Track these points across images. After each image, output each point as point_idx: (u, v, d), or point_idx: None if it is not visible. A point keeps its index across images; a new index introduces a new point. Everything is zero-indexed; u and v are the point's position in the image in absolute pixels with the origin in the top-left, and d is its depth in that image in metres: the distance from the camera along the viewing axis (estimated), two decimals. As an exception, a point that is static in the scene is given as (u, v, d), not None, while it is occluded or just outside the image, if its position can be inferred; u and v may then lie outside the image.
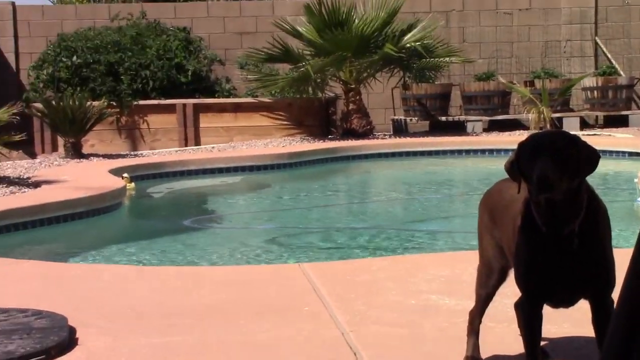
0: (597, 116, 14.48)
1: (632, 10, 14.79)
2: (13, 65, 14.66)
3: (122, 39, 13.80)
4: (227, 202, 11.31)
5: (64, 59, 13.61)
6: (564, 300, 3.21)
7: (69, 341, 4.28)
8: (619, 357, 1.63)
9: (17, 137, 10.61)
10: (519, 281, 3.14)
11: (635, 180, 8.65)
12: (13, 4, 14.39)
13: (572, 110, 14.49)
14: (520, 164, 2.86)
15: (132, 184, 10.27)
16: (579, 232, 2.91)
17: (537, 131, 8.43)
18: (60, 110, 12.01)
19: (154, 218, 10.48)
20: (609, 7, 14.83)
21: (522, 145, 2.83)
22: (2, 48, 14.45)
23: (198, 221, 9.50)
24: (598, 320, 2.99)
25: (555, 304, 3.24)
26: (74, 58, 13.60)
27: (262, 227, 9.55)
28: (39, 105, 12.60)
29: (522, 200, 3.02)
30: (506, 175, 3.12)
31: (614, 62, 14.82)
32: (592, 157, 2.84)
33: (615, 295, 2.02)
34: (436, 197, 11.28)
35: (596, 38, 15.06)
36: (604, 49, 14.97)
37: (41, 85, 13.63)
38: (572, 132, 3.10)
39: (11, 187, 9.75)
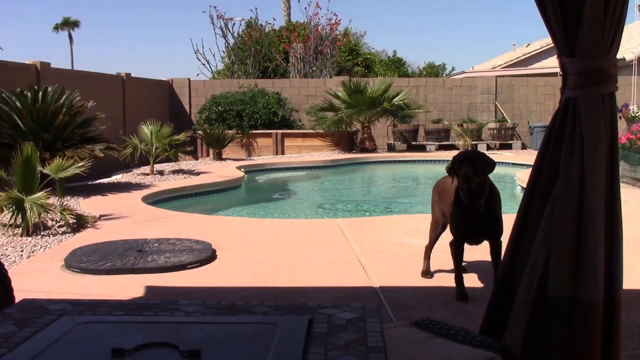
0: (495, 144, 18.62)
1: (515, 88, 19.80)
2: (188, 111, 19.61)
3: (244, 98, 18.59)
4: (298, 185, 14.49)
5: (214, 108, 18.52)
6: (475, 241, 4.61)
7: (212, 257, 6.05)
8: (504, 268, 2.61)
9: (188, 149, 14.89)
10: (452, 230, 4.58)
11: (515, 177, 12.02)
12: (189, 79, 19.77)
13: (482, 140, 18.79)
14: (454, 167, 4.22)
15: (246, 175, 13.31)
16: (484, 204, 4.31)
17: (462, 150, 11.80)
18: (211, 134, 16.68)
19: (259, 192, 13.58)
20: (503, 86, 19.82)
21: (455, 157, 4.28)
22: (183, 102, 19.52)
23: (282, 194, 12.94)
24: (493, 252, 4.44)
25: (471, 243, 4.63)
26: (219, 108, 18.42)
27: (315, 199, 12.41)
28: (200, 132, 17.10)
29: (455, 187, 4.38)
30: (446, 174, 4.57)
31: (505, 115, 19.62)
32: (491, 164, 4.24)
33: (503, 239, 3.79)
34: (409, 184, 15.05)
35: (496, 102, 19.81)
36: (500, 108, 19.77)
37: (202, 121, 18.50)
38: (482, 151, 4.73)
39: (185, 175, 13.11)
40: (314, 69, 23.90)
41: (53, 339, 1.78)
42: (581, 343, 2.60)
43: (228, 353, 1.70)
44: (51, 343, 1.75)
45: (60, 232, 7.66)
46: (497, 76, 21.26)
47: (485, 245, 4.57)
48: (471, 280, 5.06)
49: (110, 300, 2.29)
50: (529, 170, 9.36)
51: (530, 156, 15.73)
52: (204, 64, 27.90)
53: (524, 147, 18.99)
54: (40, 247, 6.90)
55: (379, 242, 6.73)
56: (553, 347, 2.64)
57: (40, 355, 1.67)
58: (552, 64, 25.24)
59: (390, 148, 19.00)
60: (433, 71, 42.99)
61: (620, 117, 15.18)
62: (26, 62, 12.66)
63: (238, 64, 24.61)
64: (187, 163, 15.50)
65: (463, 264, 4.85)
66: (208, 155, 17.59)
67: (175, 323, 1.95)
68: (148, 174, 13.48)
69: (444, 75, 41.13)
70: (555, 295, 2.62)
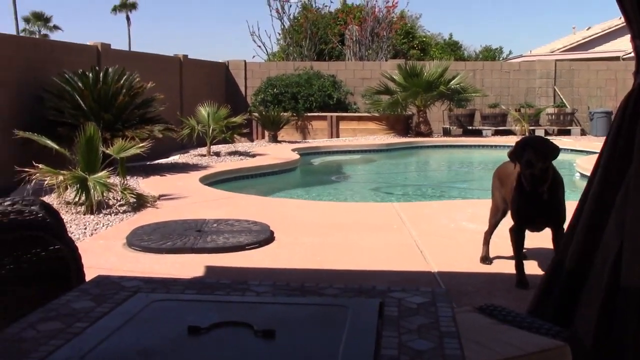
0: (553, 129, 18.32)
1: (575, 72, 19.43)
2: (243, 93, 19.66)
3: (300, 80, 18.65)
4: (353, 168, 14.69)
5: (269, 90, 18.59)
6: (537, 228, 4.58)
7: (271, 238, 6.08)
8: (563, 253, 2.61)
9: (244, 131, 15.29)
10: (513, 215, 4.54)
11: (574, 164, 11.74)
12: (245, 61, 19.94)
13: (540, 125, 18.49)
14: (517, 152, 4.20)
15: (300, 158, 13.39)
16: (547, 190, 4.25)
17: (523, 136, 11.24)
18: (267, 117, 16.82)
19: (314, 175, 13.84)
20: (562, 70, 19.47)
21: (518, 142, 4.28)
22: (239, 84, 19.59)
23: (337, 177, 13.11)
24: (555, 239, 4.35)
25: (532, 230, 4.58)
26: (275, 90, 18.52)
27: (370, 182, 12.61)
28: (256, 114, 17.18)
29: (517, 173, 4.33)
30: (507, 159, 4.53)
31: (564, 100, 19.32)
32: (556, 150, 4.22)
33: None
34: (465, 169, 15.04)
35: (555, 87, 19.52)
36: (559, 93, 19.46)
37: (257, 104, 18.59)
38: (545, 137, 4.69)
39: (241, 156, 13.33)
40: (369, 51, 23.70)
41: (130, 315, 1.82)
42: (655, 332, 2.54)
43: (302, 334, 1.72)
44: (129, 319, 1.80)
45: (122, 210, 7.83)
46: (556, 60, 20.87)
47: (546, 231, 4.51)
48: (531, 268, 4.97)
49: (181, 279, 2.32)
50: (589, 156, 9.89)
51: (590, 142, 15.59)
52: (259, 46, 27.98)
53: (583, 133, 18.70)
54: (103, 225, 7.06)
55: (437, 226, 6.69)
56: (626, 336, 2.59)
57: (119, 330, 1.72)
58: (614, 47, 25.01)
59: (446, 132, 18.99)
60: (490, 55, 42.31)
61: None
62: (88, 43, 12.90)
63: (294, 46, 24.61)
64: (242, 145, 15.68)
65: (523, 250, 4.77)
66: (263, 137, 17.80)
67: (247, 303, 1.97)
68: (205, 155, 13.62)
69: (501, 59, 40.46)
70: (628, 285, 2.56)
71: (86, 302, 1.92)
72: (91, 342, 1.64)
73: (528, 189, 4.29)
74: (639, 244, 2.57)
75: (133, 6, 74.83)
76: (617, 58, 20.34)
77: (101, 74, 11.00)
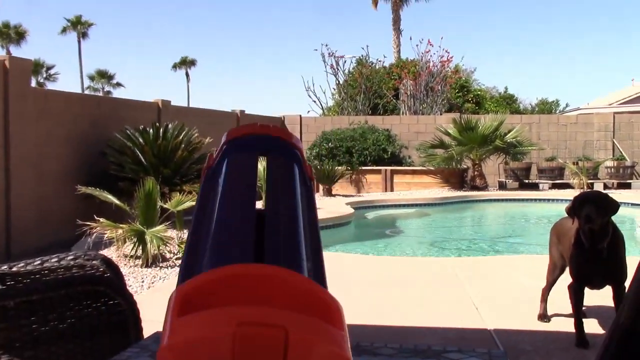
0: (613, 183, 18.32)
1: (635, 125, 19.34)
2: None
3: (354, 135, 18.86)
4: (407, 222, 14.76)
5: (324, 144, 18.93)
6: (597, 286, 4.47)
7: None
8: (628, 316, 1.78)
9: None
10: (572, 273, 4.44)
11: (635, 218, 11.86)
12: (300, 116, 20.81)
13: (598, 179, 18.40)
14: (575, 208, 4.17)
15: (354, 212, 13.27)
16: (606, 247, 4.17)
17: (580, 191, 11.13)
18: (322, 171, 16.96)
19: (367, 229, 13.63)
20: (621, 123, 19.40)
21: (576, 198, 4.24)
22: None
23: (391, 231, 12.97)
24: (616, 297, 4.24)
25: (592, 287, 4.48)
26: (329, 144, 18.82)
27: (425, 237, 12.48)
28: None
29: (575, 229, 4.28)
30: (564, 215, 4.50)
31: (623, 152, 19.13)
32: (615, 205, 4.18)
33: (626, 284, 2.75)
34: (521, 224, 14.89)
35: (613, 139, 19.42)
36: (618, 146, 19.31)
37: (312, 158, 18.74)
38: (604, 192, 4.53)
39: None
40: (424, 105, 23.82)
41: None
42: None
43: (355, 394, 1.71)
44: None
45: (178, 264, 7.89)
46: (614, 112, 20.72)
47: (606, 289, 4.41)
48: (591, 326, 4.82)
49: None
50: None
51: (651, 196, 15.02)
52: (314, 101, 28.09)
53: (644, 187, 18.38)
54: (160, 278, 7.16)
55: (492, 282, 6.62)
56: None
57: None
58: (674, 99, 24.37)
59: (502, 186, 18.99)
60: (546, 107, 41.82)
61: None
62: (150, 100, 13.26)
63: (348, 101, 24.80)
64: (298, 199, 15.72)
65: (583, 308, 4.69)
66: (318, 191, 17.79)
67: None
68: (261, 209, 13.70)
69: (558, 112, 39.96)
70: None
71: (145, 359, 1.95)
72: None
73: (587, 246, 4.22)
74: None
75: (192, 63, 76.88)
76: (677, 110, 19.44)
77: (161, 130, 11.25)
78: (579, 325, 4.53)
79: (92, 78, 70.59)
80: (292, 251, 1.09)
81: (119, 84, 74.14)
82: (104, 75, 71.51)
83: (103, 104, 12.37)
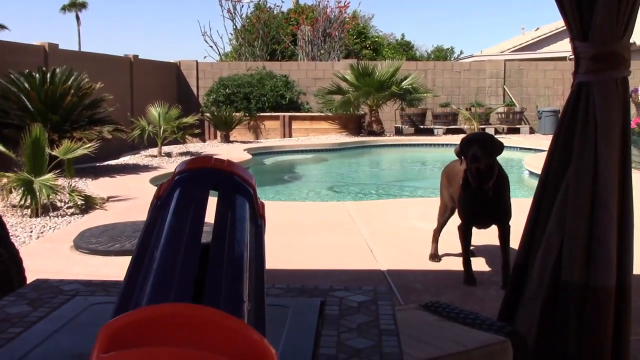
0: (503, 128, 18.71)
1: (524, 72, 19.79)
2: (195, 93, 19.61)
3: (252, 80, 18.68)
4: (305, 167, 14.70)
5: (221, 91, 18.58)
6: (483, 225, 4.64)
7: None
8: (520, 254, 2.71)
9: (196, 131, 14.97)
10: (460, 213, 4.61)
11: (523, 161, 12.05)
12: (196, 61, 19.80)
13: (490, 124, 18.80)
14: (462, 148, 4.29)
15: (252, 158, 13.46)
16: (492, 187, 4.30)
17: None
18: (219, 117, 16.74)
19: (266, 175, 13.46)
20: (511, 70, 19.82)
21: (463, 139, 4.38)
22: (190, 84, 19.50)
23: (289, 177, 13.13)
24: (501, 236, 4.46)
25: (479, 227, 4.64)
26: (227, 90, 18.51)
27: (322, 182, 12.66)
28: (207, 114, 17.16)
29: (463, 170, 4.42)
30: (455, 158, 4.64)
31: (513, 99, 19.65)
32: (500, 145, 4.32)
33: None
34: (416, 168, 15.16)
35: (504, 86, 19.92)
36: (508, 92, 19.84)
37: (209, 104, 18.56)
38: (490, 133, 4.91)
39: (192, 157, 15.37)
40: (322, 51, 23.76)
41: (67, 319, 1.79)
42: (594, 327, 2.59)
43: (241, 334, 1.69)
44: (65, 323, 1.76)
45: (69, 213, 7.70)
46: (505, 60, 21.16)
47: (493, 229, 4.60)
48: (479, 264, 5.04)
49: (122, 281, 2.27)
50: (537, 154, 10.21)
51: (538, 140, 15.90)
52: (211, 46, 27.96)
53: (532, 131, 18.99)
54: (49, 228, 6.94)
55: (387, 225, 6.73)
56: (566, 331, 2.64)
57: (55, 334, 1.69)
58: (561, 48, 25.20)
59: (398, 131, 19.16)
60: (441, 55, 42.76)
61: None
62: (34, 43, 12.67)
63: (246, 47, 24.53)
64: (194, 145, 15.66)
65: (471, 247, 4.85)
66: (215, 137, 17.77)
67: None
68: (156, 156, 13.57)
69: (452, 59, 40.92)
70: (568, 280, 2.61)
71: (22, 307, 1.88)
72: (25, 347, 1.60)
73: (474, 186, 4.33)
74: (578, 241, 2.62)
75: (83, 5, 73.60)
76: (564, 58, 20.58)
77: (48, 75, 10.79)
78: (466, 263, 4.69)
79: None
80: (233, 291, 1.05)
81: (2, 27, 70.17)
82: (-14, 17, 67.42)
83: (-16, 46, 11.66)
